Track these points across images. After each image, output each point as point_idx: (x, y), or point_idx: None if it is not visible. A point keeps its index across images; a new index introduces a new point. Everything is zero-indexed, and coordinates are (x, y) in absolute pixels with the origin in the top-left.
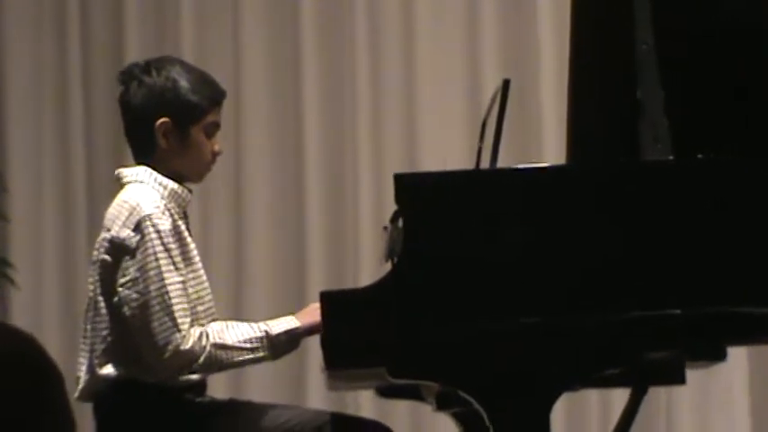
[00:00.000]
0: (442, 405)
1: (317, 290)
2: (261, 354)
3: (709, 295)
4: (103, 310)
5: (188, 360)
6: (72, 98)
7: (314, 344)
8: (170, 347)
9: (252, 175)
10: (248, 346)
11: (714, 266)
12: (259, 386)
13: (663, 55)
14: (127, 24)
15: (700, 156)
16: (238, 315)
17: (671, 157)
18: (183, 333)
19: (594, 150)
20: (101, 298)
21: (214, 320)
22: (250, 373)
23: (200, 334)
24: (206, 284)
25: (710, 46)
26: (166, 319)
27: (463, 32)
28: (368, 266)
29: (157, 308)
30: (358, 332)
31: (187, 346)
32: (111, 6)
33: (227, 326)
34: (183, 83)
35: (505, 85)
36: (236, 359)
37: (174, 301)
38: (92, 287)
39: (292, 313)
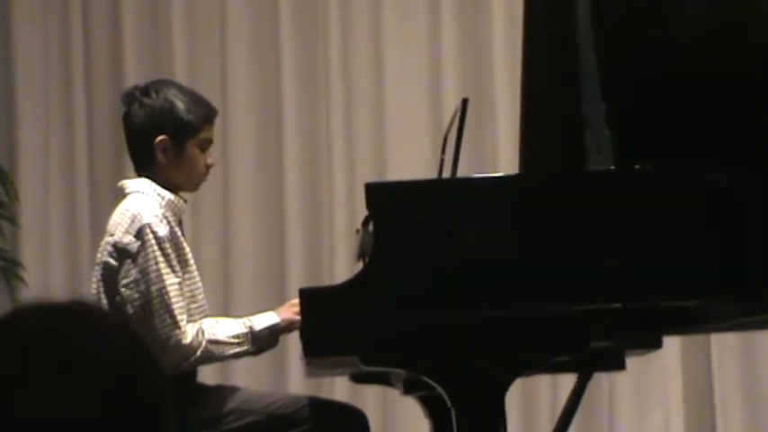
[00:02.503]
0: (408, 390)
1: (296, 286)
2: (245, 348)
3: (646, 290)
4: (105, 305)
5: (187, 353)
6: (76, 115)
7: (294, 334)
8: (171, 342)
9: (237, 185)
10: (236, 341)
11: (650, 264)
12: (245, 373)
13: (605, 72)
14: (125, 47)
15: (637, 165)
16: (226, 310)
17: (612, 167)
18: (183, 329)
19: (544, 161)
20: (103, 296)
21: (206, 316)
22: (236, 362)
23: (197, 330)
24: (199, 284)
25: (648, 64)
26: (166, 316)
27: (427, 54)
28: (342, 265)
29: (158, 306)
30: (333, 324)
31: (187, 340)
32: (111, 27)
33: (216, 322)
34: (179, 104)
35: (464, 103)
36: (225, 353)
37: (172, 300)
38: (95, 287)
39: (274, 308)
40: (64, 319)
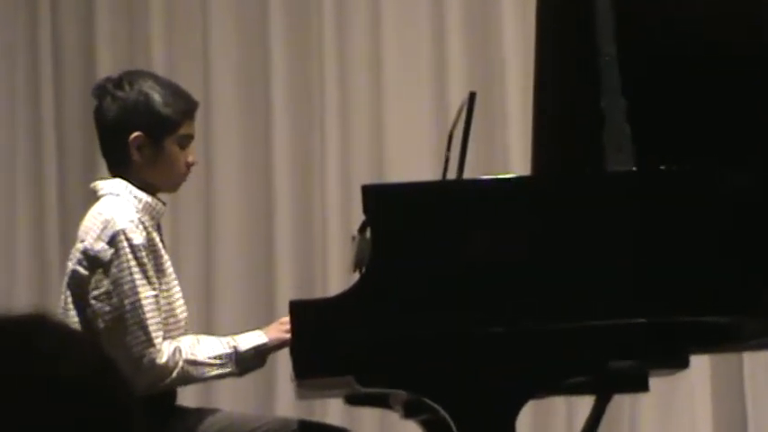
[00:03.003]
0: (409, 413)
1: (286, 299)
2: (228, 369)
3: (672, 304)
4: (75, 319)
5: (162, 374)
6: (44, 107)
7: (283, 352)
8: (145, 361)
9: (221, 186)
10: (217, 362)
11: (676, 276)
12: (228, 395)
13: (625, 65)
14: (98, 34)
15: (662, 166)
16: (208, 325)
17: (633, 168)
18: (158, 347)
19: (559, 161)
20: (71, 306)
21: (185, 333)
22: (219, 382)
23: (174, 349)
24: (178, 296)
25: (674, 56)
26: (140, 333)
27: (430, 46)
28: (336, 276)
29: (131, 322)
30: (327, 341)
31: (162, 360)
32: (82, 15)
33: (197, 341)
34: (156, 96)
35: (471, 97)
36: (205, 375)
37: (147, 315)
38: (63, 297)
39: (262, 325)
40: (22, 334)
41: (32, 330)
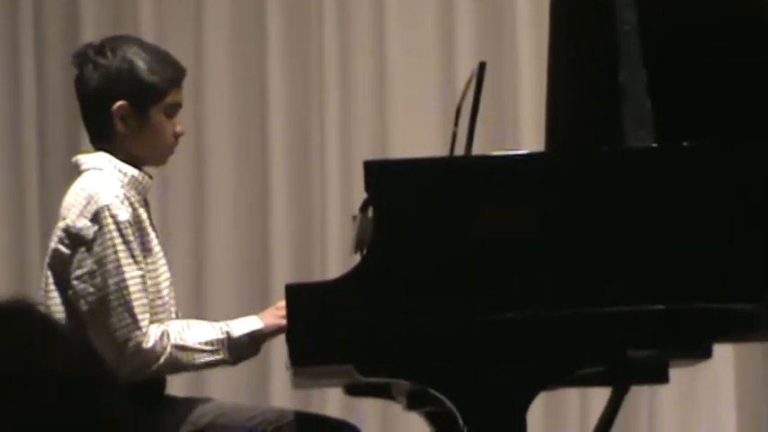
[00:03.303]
0: (413, 404)
1: (282, 282)
2: (221, 356)
3: (693, 290)
4: (57, 300)
5: (148, 360)
6: (24, 79)
7: (278, 339)
8: (130, 345)
9: (214, 159)
10: (209, 348)
11: (699, 260)
12: (220, 384)
13: (646, 35)
14: (82, 2)
15: (685, 143)
16: (199, 308)
17: (654, 144)
18: (144, 330)
19: (574, 137)
20: (53, 288)
21: (172, 316)
22: (211, 370)
23: (162, 333)
24: (165, 276)
25: (698, 26)
26: (125, 315)
27: (437, 12)
28: (336, 258)
29: (116, 303)
30: (325, 327)
31: (148, 344)
32: None
33: (187, 325)
34: (141, 63)
35: (481, 68)
36: (195, 361)
37: (133, 296)
38: (44, 279)
39: (256, 310)
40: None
41: (12, 321)
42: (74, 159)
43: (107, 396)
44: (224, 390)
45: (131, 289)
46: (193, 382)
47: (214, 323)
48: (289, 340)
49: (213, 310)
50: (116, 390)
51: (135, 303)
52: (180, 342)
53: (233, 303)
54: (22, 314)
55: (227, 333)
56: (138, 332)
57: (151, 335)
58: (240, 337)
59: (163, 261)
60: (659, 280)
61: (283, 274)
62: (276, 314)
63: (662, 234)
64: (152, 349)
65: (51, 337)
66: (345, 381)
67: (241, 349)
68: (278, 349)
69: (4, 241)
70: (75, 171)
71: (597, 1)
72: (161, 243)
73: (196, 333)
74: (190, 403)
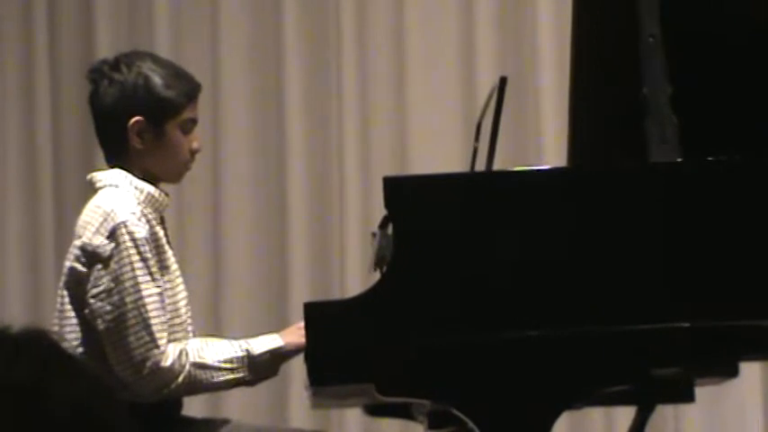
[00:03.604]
0: (434, 424)
1: (300, 300)
2: (241, 374)
3: (720, 307)
4: (73, 320)
5: (167, 379)
6: (39, 95)
7: (297, 359)
8: (148, 364)
9: (231, 176)
10: (228, 366)
11: (725, 276)
12: (238, 404)
13: (671, 47)
14: (97, 17)
15: (710, 157)
16: (216, 327)
17: (679, 159)
18: (162, 349)
19: (598, 151)
20: (69, 307)
21: (190, 335)
22: (229, 391)
23: (180, 351)
24: (183, 295)
25: (724, 37)
26: (144, 333)
27: (457, 27)
28: (355, 276)
29: (133, 321)
30: (344, 346)
31: (166, 363)
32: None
33: (206, 343)
34: (156, 78)
35: (502, 82)
36: (215, 380)
37: (151, 314)
38: (59, 300)
39: (275, 329)
40: (12, 353)
41: (25, 351)
42: (89, 177)
43: (117, 424)
44: (242, 410)
45: (149, 307)
46: (211, 403)
47: (233, 341)
48: (307, 359)
49: (231, 329)
50: (126, 417)
51: (153, 321)
52: (199, 360)
53: (251, 322)
54: (34, 344)
55: (248, 351)
56: (156, 351)
57: (169, 353)
58: (261, 355)
59: (180, 279)
60: (684, 297)
61: (302, 292)
62: (297, 332)
63: (687, 250)
64: (170, 368)
65: (63, 367)
66: (365, 400)
67: (262, 367)
68: (297, 369)
69: (18, 260)
70: (91, 189)
71: (620, 13)
72: (178, 261)
73: (215, 351)
74: (207, 424)
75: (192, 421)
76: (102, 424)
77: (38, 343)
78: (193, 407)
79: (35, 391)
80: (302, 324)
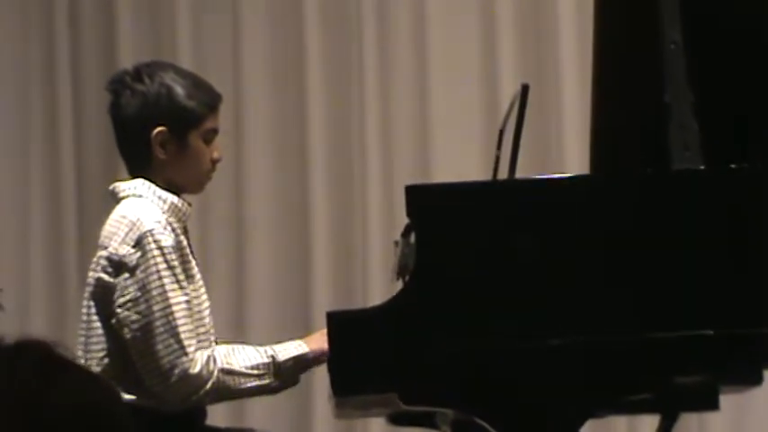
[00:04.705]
0: None
1: (323, 310)
2: (266, 381)
3: (744, 314)
4: (99, 331)
5: (195, 386)
6: (61, 103)
7: (320, 368)
8: (177, 372)
9: (253, 185)
10: (255, 372)
11: (749, 284)
12: (261, 413)
13: (693, 54)
14: (120, 28)
15: (732, 164)
16: (240, 337)
17: (701, 166)
18: (191, 356)
19: (620, 159)
20: (95, 318)
21: (213, 343)
22: (252, 399)
23: (208, 358)
24: (207, 305)
25: (745, 44)
26: (172, 341)
27: (479, 34)
28: (378, 284)
29: (162, 329)
30: (368, 355)
31: (195, 370)
32: (102, 8)
33: (232, 349)
34: (178, 89)
35: (524, 90)
36: (242, 386)
37: (179, 321)
38: (85, 311)
39: (298, 337)
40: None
41: (25, 357)
42: (111, 187)
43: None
44: (265, 420)
45: (177, 315)
46: (235, 412)
47: (259, 347)
48: (330, 369)
49: (254, 339)
50: (128, 419)
51: (181, 329)
52: (227, 366)
53: (274, 332)
54: (31, 351)
55: (273, 357)
56: (184, 358)
57: (197, 360)
58: (286, 362)
59: (203, 289)
60: (707, 304)
61: (325, 301)
62: (321, 339)
63: (709, 257)
64: (199, 374)
65: (61, 372)
66: (388, 410)
67: (286, 374)
68: (320, 379)
69: (41, 271)
70: (113, 199)
71: (642, 20)
72: (201, 271)
73: (242, 357)
74: None
75: (217, 430)
76: (103, 426)
77: (35, 350)
78: (217, 417)
79: (35, 397)
80: (326, 330)
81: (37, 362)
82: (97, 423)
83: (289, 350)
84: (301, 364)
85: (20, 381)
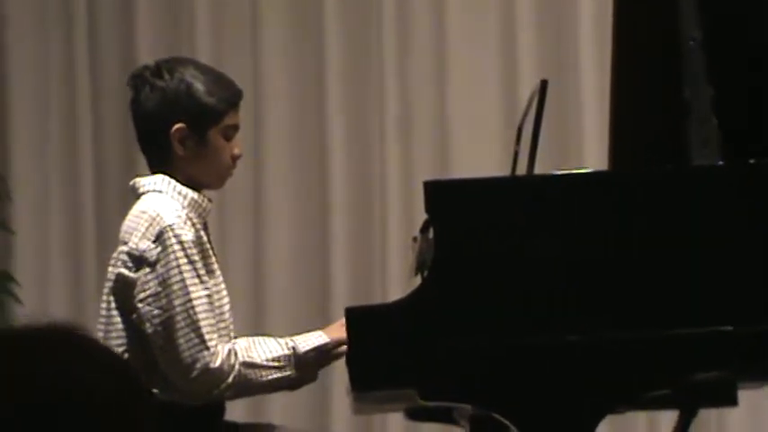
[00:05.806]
0: (476, 429)
1: (342, 305)
2: (288, 372)
3: (762, 310)
4: (119, 326)
5: (217, 379)
6: (80, 101)
7: (338, 363)
8: (198, 366)
9: (272, 182)
10: (276, 364)
11: (766, 278)
12: (280, 409)
13: (711, 50)
14: (138, 25)
15: (751, 160)
16: (258, 331)
17: (721, 162)
18: (212, 350)
19: (639, 155)
20: (115, 313)
21: (232, 338)
22: (270, 397)
23: (229, 351)
24: (227, 300)
25: (764, 40)
26: (193, 335)
27: (498, 30)
28: (396, 280)
29: (183, 324)
30: (386, 350)
31: (216, 364)
32: (120, 7)
33: (253, 342)
34: (198, 85)
35: (543, 85)
36: (263, 379)
37: (200, 315)
38: (104, 305)
39: (314, 330)
40: (39, 350)
41: (55, 344)
42: (131, 182)
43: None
44: (284, 415)
45: (197, 309)
46: (254, 408)
47: (279, 339)
48: (349, 364)
49: (272, 333)
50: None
51: (202, 323)
52: (248, 359)
53: (292, 328)
54: (62, 337)
55: (294, 348)
56: (206, 352)
57: (218, 354)
58: (307, 353)
59: (223, 285)
60: (726, 300)
61: (343, 296)
62: (340, 329)
63: (729, 253)
64: (220, 368)
65: (92, 360)
66: (406, 405)
67: (308, 365)
68: (338, 374)
69: (60, 267)
70: (133, 194)
71: (661, 17)
72: (219, 266)
73: (263, 349)
74: (251, 429)
75: (235, 426)
76: (131, 416)
77: (67, 337)
78: (235, 412)
79: (65, 383)
80: (343, 320)
81: (72, 347)
82: (123, 414)
83: (309, 341)
84: (322, 354)
85: (52, 365)
